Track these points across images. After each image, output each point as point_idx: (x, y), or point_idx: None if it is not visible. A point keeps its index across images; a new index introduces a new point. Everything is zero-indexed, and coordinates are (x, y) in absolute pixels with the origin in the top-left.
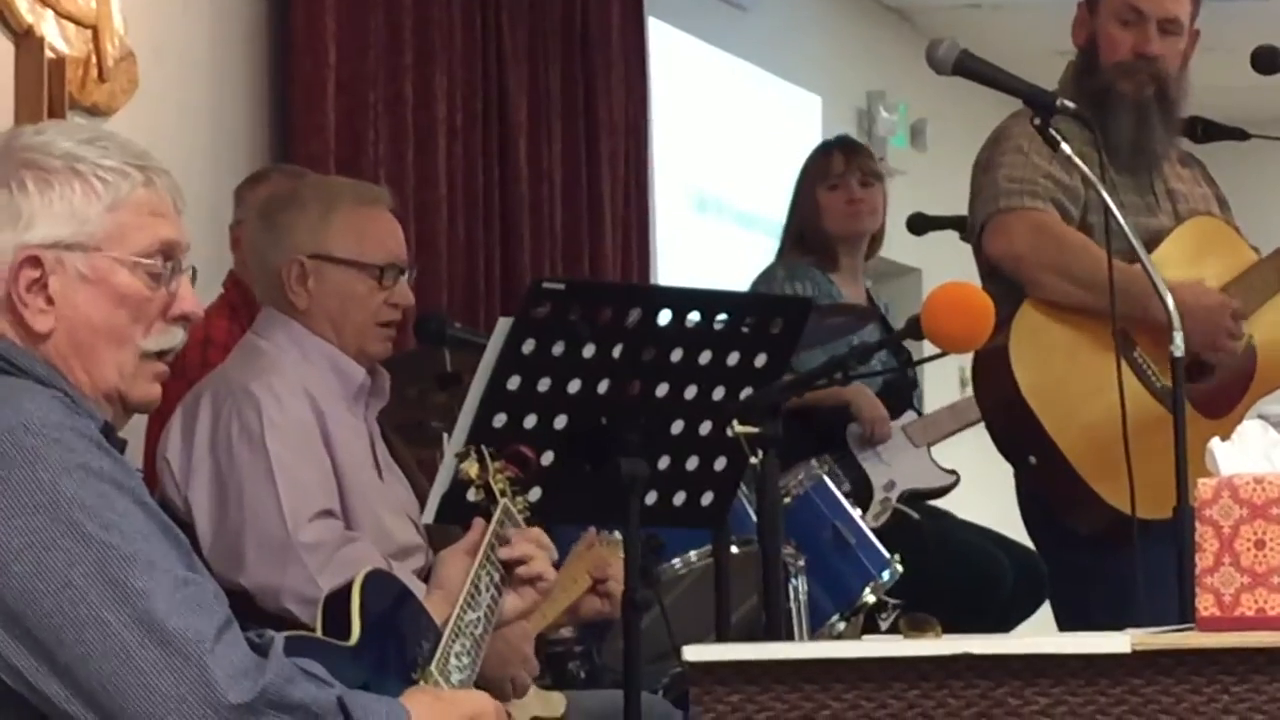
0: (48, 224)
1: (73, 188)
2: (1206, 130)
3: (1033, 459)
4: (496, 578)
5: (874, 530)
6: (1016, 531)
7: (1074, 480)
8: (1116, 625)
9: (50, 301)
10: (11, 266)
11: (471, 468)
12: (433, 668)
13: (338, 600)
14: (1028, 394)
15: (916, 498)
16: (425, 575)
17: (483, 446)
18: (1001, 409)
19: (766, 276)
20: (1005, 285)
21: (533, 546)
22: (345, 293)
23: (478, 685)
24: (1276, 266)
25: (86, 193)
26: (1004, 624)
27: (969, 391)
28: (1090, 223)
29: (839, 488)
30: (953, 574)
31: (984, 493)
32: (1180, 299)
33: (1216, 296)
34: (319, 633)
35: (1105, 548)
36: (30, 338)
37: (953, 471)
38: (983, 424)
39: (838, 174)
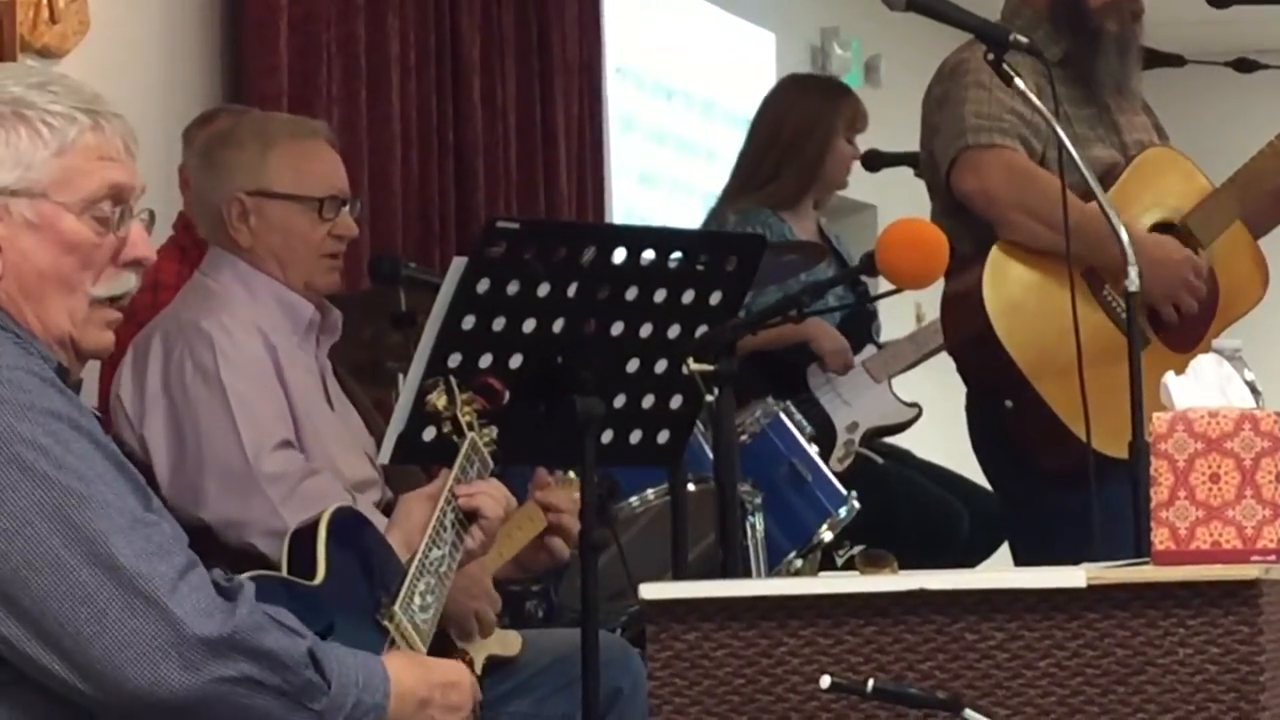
0: None
1: (19, 133)
2: (1144, 58)
3: (1009, 402)
4: (461, 514)
5: (838, 474)
6: (971, 462)
7: (1051, 421)
8: (1074, 560)
9: None
10: None
11: (439, 400)
12: (397, 607)
13: (303, 537)
14: (1002, 336)
15: (880, 434)
16: (382, 510)
17: (451, 378)
18: (975, 351)
19: (716, 220)
20: (965, 222)
21: (484, 493)
22: (287, 227)
23: (442, 624)
24: (1233, 195)
25: (33, 138)
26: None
27: (927, 320)
28: (1049, 158)
29: (802, 433)
30: (910, 523)
31: (937, 425)
32: (1145, 250)
33: (1182, 251)
34: (284, 570)
35: (1066, 484)
36: None
37: (914, 404)
38: (942, 356)
39: (859, 129)
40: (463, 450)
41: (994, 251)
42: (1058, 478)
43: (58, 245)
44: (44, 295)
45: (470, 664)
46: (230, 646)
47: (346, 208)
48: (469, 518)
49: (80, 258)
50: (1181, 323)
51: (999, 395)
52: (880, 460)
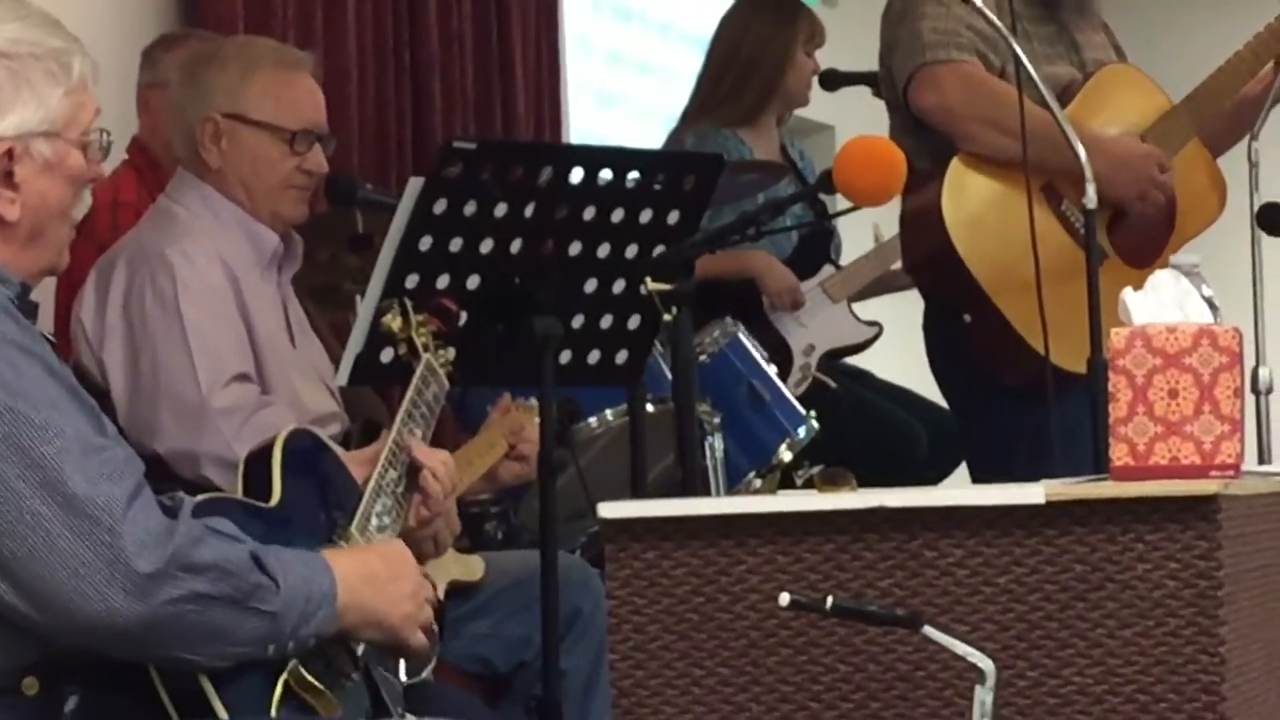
0: (17, 113)
1: (35, 74)
2: None
3: (967, 316)
4: (418, 434)
5: (796, 397)
6: (929, 383)
7: (1009, 335)
8: (1033, 477)
9: (15, 189)
10: None
11: (394, 322)
12: (354, 528)
13: (259, 461)
14: (961, 250)
15: (839, 355)
16: (342, 443)
17: (405, 300)
18: (933, 266)
19: (675, 142)
20: (924, 139)
21: (438, 464)
22: (257, 154)
23: None
24: (1191, 112)
25: (48, 78)
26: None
27: (885, 237)
28: (1009, 74)
29: (760, 354)
30: (868, 443)
31: (895, 345)
32: (1108, 150)
33: (1143, 147)
34: (240, 493)
35: (1023, 399)
36: None
37: (874, 323)
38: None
39: (818, 44)
40: (418, 372)
41: (953, 164)
42: (1015, 392)
43: (65, 180)
44: (48, 230)
45: (432, 587)
46: (175, 567)
47: (320, 144)
48: (415, 473)
49: (76, 188)
50: (1139, 237)
51: (957, 310)
52: (834, 385)
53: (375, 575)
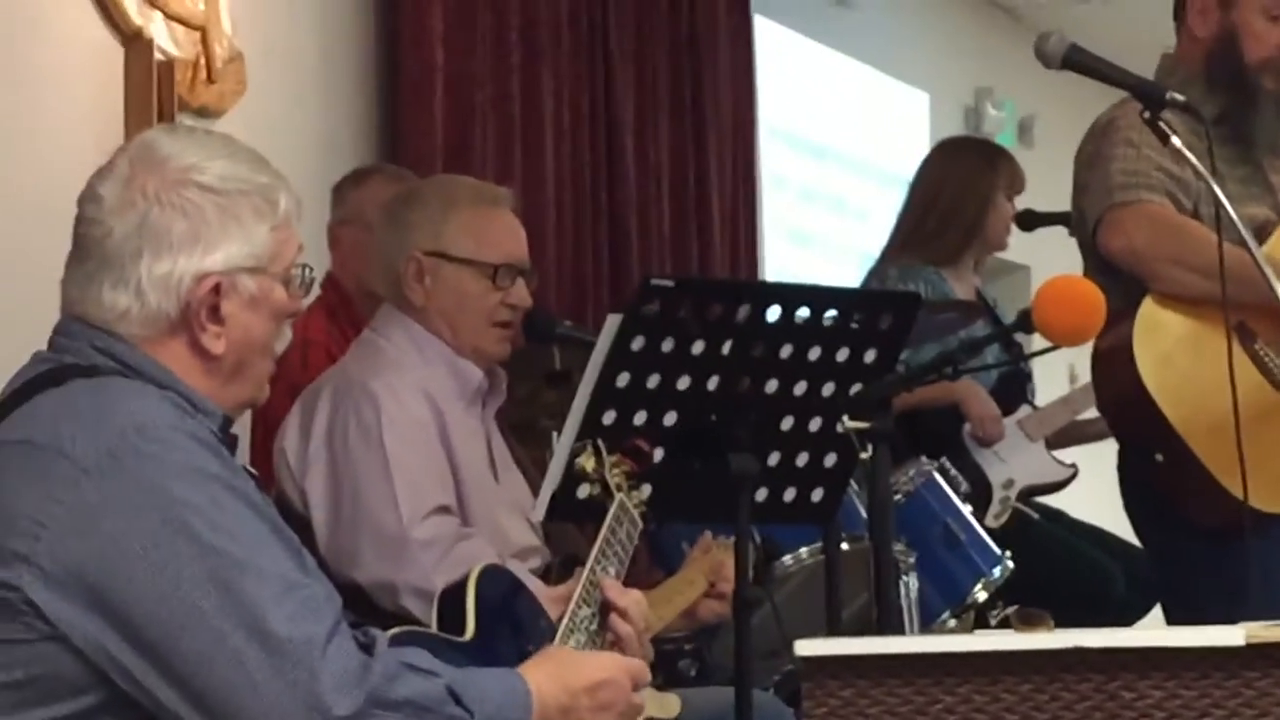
0: (225, 248)
1: (242, 210)
2: None
3: (1159, 456)
4: (611, 573)
5: (993, 531)
6: (1123, 524)
7: (1202, 475)
8: (1230, 619)
9: (221, 323)
10: (192, 291)
11: (588, 462)
12: None
13: (453, 596)
14: (1153, 390)
15: (1036, 493)
16: (542, 576)
17: (598, 440)
18: (1125, 406)
19: (877, 276)
20: (1117, 279)
21: (630, 604)
22: (460, 291)
23: None
24: None
25: (255, 214)
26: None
27: (1080, 382)
28: (1201, 215)
29: (956, 490)
30: (1064, 583)
31: (1090, 485)
32: None
33: None
34: (434, 628)
35: (1220, 540)
36: (204, 360)
37: (1071, 464)
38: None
39: (1018, 190)
40: (611, 511)
41: (1144, 304)
42: (1209, 533)
43: (270, 315)
44: (252, 364)
45: None
46: (372, 705)
47: (522, 277)
48: (608, 611)
49: (280, 323)
50: None
51: (1150, 450)
52: (1037, 516)
53: (574, 707)
